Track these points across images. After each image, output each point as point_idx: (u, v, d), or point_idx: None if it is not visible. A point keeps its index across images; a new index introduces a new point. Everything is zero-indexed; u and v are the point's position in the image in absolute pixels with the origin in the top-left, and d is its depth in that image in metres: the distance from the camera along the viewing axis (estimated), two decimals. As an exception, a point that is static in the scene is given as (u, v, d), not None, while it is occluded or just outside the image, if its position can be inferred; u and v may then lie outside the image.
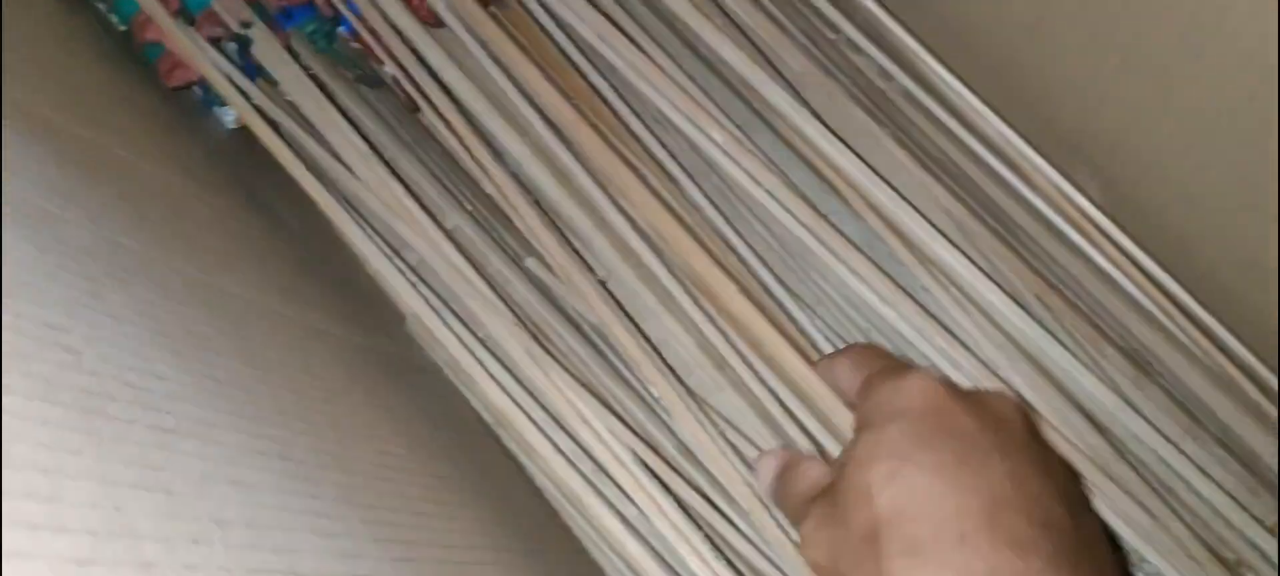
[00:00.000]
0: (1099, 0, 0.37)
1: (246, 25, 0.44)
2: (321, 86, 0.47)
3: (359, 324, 0.44)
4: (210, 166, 0.43)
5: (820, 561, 0.31)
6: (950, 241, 0.41)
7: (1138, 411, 0.41)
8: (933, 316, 0.42)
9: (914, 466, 0.29)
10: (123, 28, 0.44)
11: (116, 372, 0.24)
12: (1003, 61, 0.42)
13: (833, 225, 0.43)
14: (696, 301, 0.43)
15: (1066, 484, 0.31)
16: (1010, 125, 0.43)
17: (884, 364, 0.35)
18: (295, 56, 0.47)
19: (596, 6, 0.46)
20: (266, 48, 0.46)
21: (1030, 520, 0.28)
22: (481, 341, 0.43)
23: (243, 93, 0.44)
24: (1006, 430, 0.31)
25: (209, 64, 0.43)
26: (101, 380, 0.23)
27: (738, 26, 0.45)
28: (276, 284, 0.39)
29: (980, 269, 0.41)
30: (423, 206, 0.45)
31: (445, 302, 0.44)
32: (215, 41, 0.45)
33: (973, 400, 0.31)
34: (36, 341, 0.22)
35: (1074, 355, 0.40)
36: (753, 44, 0.45)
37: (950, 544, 0.27)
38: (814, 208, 0.43)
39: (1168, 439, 0.42)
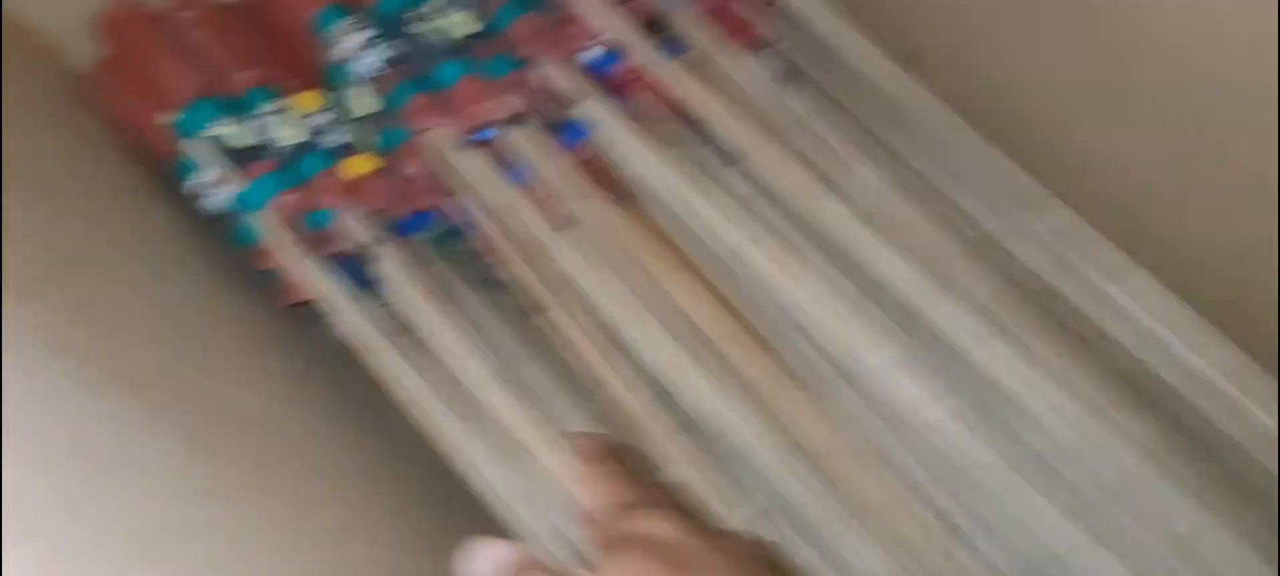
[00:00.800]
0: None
1: (375, 242, 0.42)
2: (440, 293, 0.44)
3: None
4: (311, 385, 0.41)
5: None
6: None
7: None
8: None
9: None
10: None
11: None
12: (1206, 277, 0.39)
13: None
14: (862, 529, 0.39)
15: None
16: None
17: (637, 496, 0.36)
18: (415, 265, 0.45)
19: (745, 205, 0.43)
20: (386, 258, 0.43)
21: None
22: None
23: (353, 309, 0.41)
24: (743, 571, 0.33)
25: (324, 283, 0.41)
26: None
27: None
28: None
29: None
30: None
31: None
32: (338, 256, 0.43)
33: (717, 544, 0.33)
34: None
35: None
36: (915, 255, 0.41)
37: None
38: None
39: None
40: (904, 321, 0.44)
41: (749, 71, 0.45)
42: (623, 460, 0.39)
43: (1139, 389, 0.41)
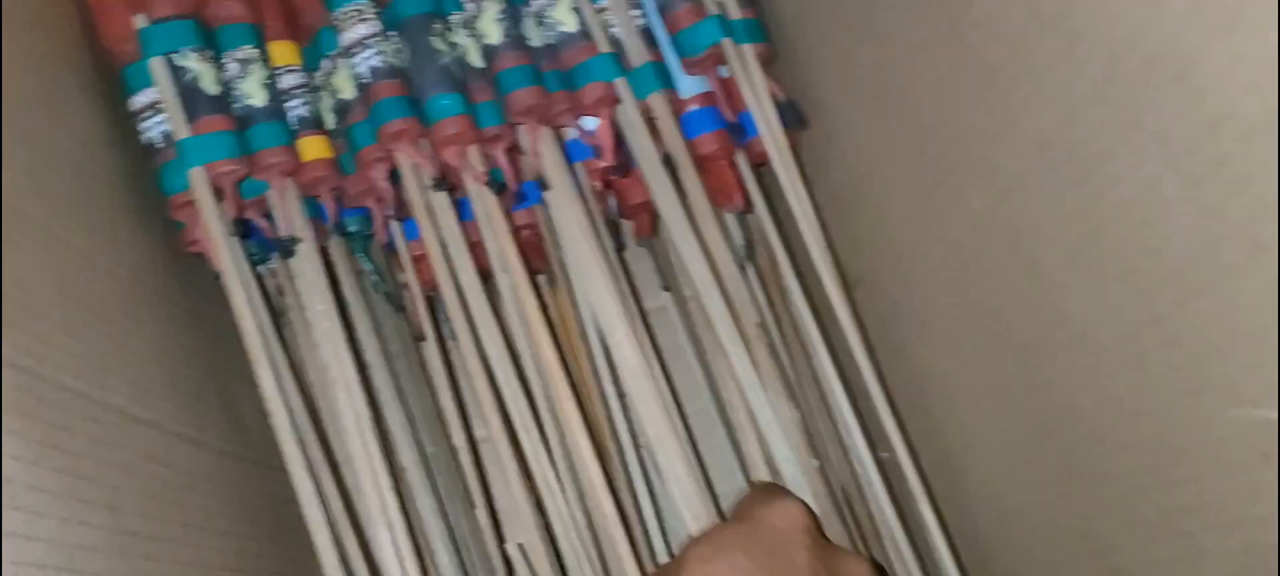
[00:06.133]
0: None
1: (294, 241, 0.40)
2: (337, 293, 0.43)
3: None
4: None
5: None
6: None
7: None
8: None
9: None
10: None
11: None
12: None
13: None
14: None
15: None
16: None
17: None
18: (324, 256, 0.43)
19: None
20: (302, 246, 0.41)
21: None
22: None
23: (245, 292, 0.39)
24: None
25: (230, 258, 0.39)
26: None
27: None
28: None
29: None
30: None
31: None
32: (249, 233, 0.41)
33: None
34: None
35: None
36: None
37: None
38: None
39: None
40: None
41: (717, 223, 0.45)
42: None
43: None
